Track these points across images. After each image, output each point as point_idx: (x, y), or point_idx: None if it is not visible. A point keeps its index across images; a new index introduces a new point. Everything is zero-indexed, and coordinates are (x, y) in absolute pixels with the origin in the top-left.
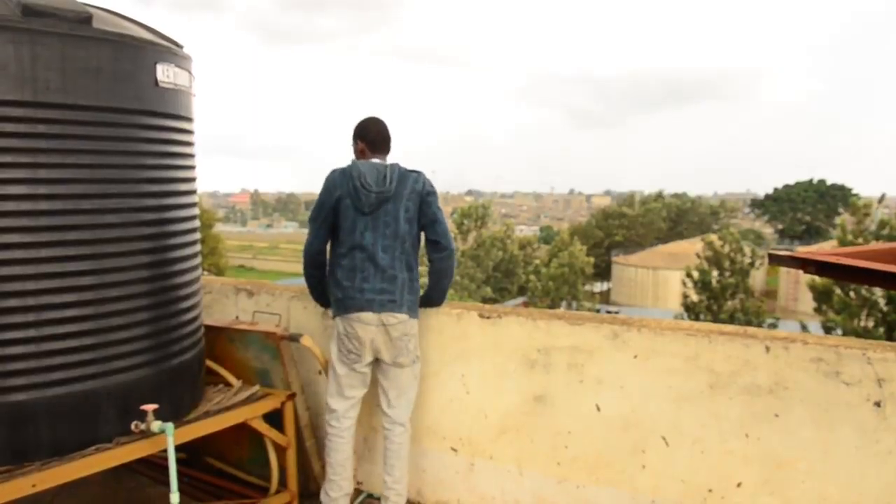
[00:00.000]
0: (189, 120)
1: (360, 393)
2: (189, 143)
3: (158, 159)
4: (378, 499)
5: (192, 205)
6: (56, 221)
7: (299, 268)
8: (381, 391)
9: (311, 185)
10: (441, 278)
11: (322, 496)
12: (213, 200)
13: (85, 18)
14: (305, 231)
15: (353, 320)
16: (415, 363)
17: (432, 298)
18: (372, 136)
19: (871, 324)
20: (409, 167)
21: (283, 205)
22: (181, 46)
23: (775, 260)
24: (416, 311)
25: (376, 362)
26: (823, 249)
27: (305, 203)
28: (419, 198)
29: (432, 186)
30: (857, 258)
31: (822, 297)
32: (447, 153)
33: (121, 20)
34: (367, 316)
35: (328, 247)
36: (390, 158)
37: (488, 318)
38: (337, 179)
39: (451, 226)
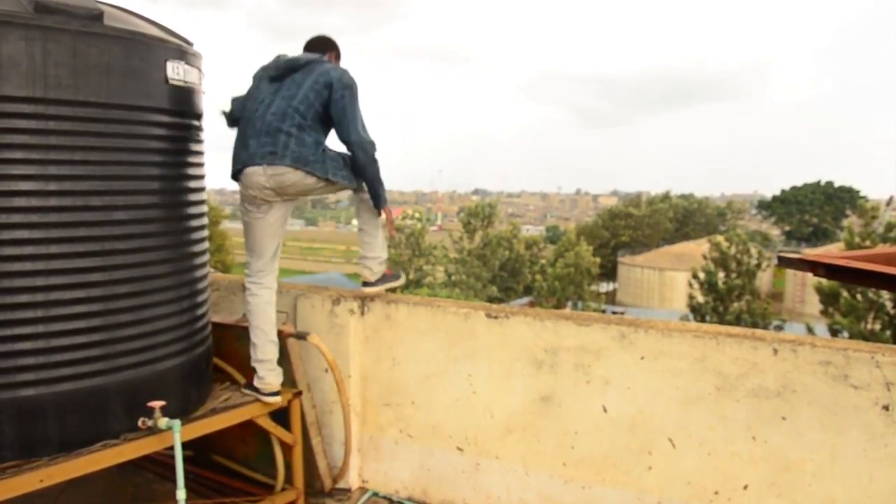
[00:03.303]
0: (199, 117)
1: (269, 250)
2: (198, 141)
3: (168, 156)
4: (385, 498)
5: (201, 202)
6: (65, 218)
7: (305, 265)
8: None
9: None
10: (362, 175)
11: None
12: (221, 197)
13: (96, 16)
14: (311, 229)
15: (245, 176)
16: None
17: (371, 198)
18: (306, 45)
19: (878, 326)
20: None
21: None
22: (191, 44)
23: (785, 262)
24: (311, 164)
25: None
26: (830, 252)
27: (311, 201)
28: (330, 82)
29: (353, 82)
30: (867, 261)
31: (828, 299)
32: (454, 152)
33: (131, 17)
34: (255, 170)
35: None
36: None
37: (495, 317)
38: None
39: (457, 225)
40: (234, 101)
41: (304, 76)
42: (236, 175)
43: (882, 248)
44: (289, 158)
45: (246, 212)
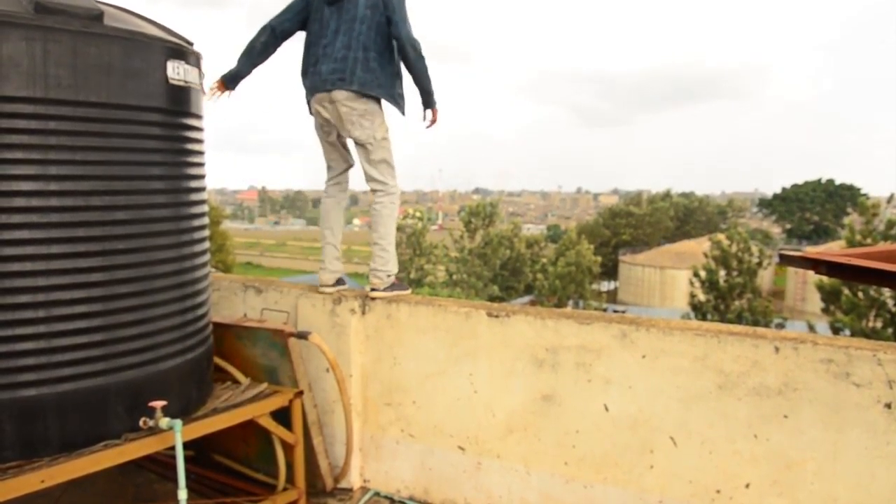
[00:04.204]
0: (199, 117)
1: (339, 166)
2: (199, 141)
3: (168, 156)
4: (386, 497)
5: (202, 202)
6: (66, 218)
7: (306, 265)
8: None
9: (319, 182)
10: (412, 71)
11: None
12: (221, 197)
13: (96, 16)
14: (313, 228)
15: (313, 101)
16: (375, 139)
17: (421, 95)
18: None
19: (879, 324)
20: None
21: (291, 202)
22: (191, 44)
23: (786, 260)
24: (375, 88)
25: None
26: (832, 249)
27: (313, 201)
28: None
29: None
30: (868, 259)
31: (830, 297)
32: (455, 151)
33: (132, 17)
34: (321, 96)
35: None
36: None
37: (497, 316)
38: None
39: (458, 224)
40: (273, 22)
41: None
42: (309, 101)
43: (883, 246)
44: (356, 84)
45: (321, 138)
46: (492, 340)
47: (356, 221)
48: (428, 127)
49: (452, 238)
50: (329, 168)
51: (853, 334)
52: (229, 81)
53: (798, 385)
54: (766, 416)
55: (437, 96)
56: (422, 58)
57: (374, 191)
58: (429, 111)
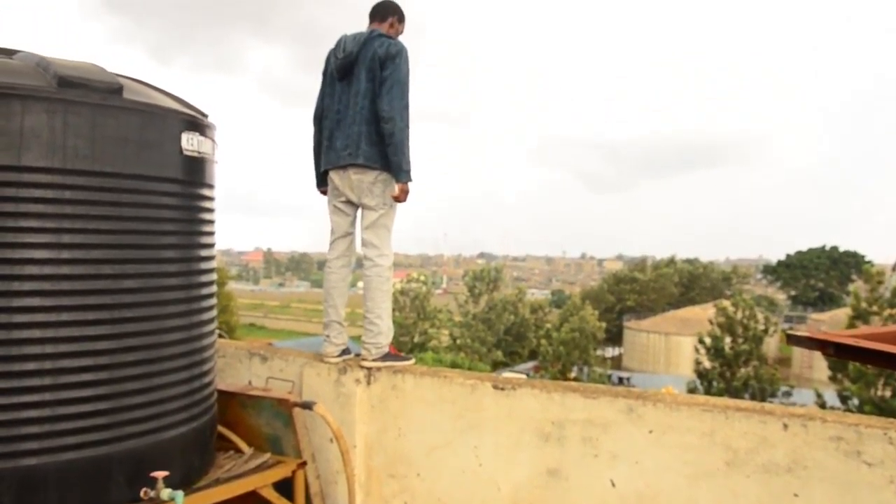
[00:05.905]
0: (211, 187)
1: (342, 230)
2: (210, 210)
3: (180, 225)
4: None
5: (210, 270)
6: (77, 286)
7: (310, 327)
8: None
9: (324, 245)
10: (386, 148)
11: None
12: (227, 258)
13: (116, 89)
14: (317, 290)
15: (331, 171)
16: (385, 206)
17: (389, 164)
18: (370, 11)
19: (888, 393)
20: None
21: (296, 264)
22: (206, 115)
23: (794, 341)
24: (379, 160)
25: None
26: (837, 316)
27: (318, 262)
28: (378, 61)
29: (397, 52)
30: (877, 340)
31: (837, 365)
32: (459, 215)
33: (150, 90)
34: (335, 172)
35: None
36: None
37: (502, 389)
38: (329, 53)
39: (462, 288)
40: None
41: (360, 68)
42: (325, 174)
43: (893, 327)
44: (361, 157)
45: (329, 201)
46: (497, 413)
47: (360, 284)
48: (396, 200)
49: (457, 302)
50: (332, 232)
51: (861, 403)
52: (322, 184)
53: (808, 463)
54: (775, 495)
55: (411, 174)
56: (396, 134)
57: (365, 257)
58: (397, 185)
